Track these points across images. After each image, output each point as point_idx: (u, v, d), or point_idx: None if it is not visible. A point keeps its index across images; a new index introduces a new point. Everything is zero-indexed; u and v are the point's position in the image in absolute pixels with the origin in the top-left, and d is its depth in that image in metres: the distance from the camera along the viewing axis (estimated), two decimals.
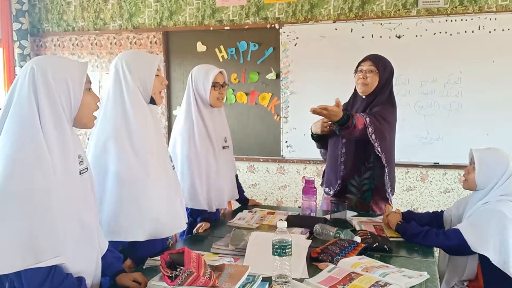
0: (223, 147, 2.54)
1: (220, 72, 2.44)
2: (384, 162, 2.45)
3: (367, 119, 2.35)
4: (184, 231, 2.38)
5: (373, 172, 2.51)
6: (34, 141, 1.31)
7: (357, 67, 2.55)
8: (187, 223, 2.05)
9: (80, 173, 1.45)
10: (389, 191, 2.50)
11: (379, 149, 2.41)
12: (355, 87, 2.59)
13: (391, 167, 2.50)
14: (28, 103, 1.33)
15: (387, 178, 2.47)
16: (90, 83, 1.49)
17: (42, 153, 1.31)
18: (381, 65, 2.49)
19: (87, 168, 1.50)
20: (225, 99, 2.57)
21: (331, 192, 2.60)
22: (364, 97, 2.53)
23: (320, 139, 2.68)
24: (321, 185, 2.76)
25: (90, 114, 1.49)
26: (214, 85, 2.39)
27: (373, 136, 2.37)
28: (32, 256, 1.27)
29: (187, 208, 2.33)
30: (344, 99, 2.70)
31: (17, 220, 1.26)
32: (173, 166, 2.04)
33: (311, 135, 2.69)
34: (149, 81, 1.88)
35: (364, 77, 2.48)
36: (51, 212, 1.30)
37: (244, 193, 2.83)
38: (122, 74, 1.85)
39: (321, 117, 2.42)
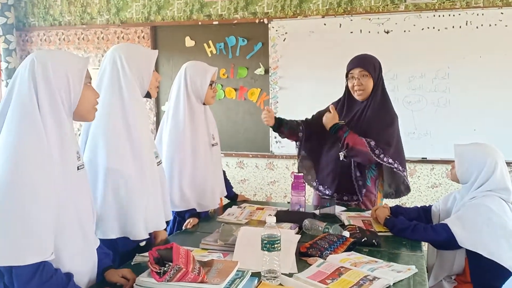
0: (213, 145, 2.50)
1: None
2: (398, 166, 2.48)
3: (372, 143, 2.39)
4: (172, 227, 2.37)
5: (368, 172, 2.52)
6: (36, 137, 1.31)
7: (347, 73, 2.52)
8: (167, 221, 2.02)
9: (78, 169, 1.45)
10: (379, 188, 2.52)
11: (399, 168, 2.47)
12: (347, 90, 2.56)
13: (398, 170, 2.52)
14: (29, 97, 1.33)
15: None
16: (90, 78, 1.49)
17: (44, 149, 1.31)
18: (371, 67, 2.47)
19: (83, 164, 1.50)
20: None
21: (327, 192, 2.59)
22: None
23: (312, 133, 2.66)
24: (311, 181, 2.71)
25: (89, 107, 1.49)
26: (210, 83, 2.37)
27: (385, 159, 2.42)
28: (19, 253, 1.26)
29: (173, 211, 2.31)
30: (333, 93, 2.70)
31: (15, 213, 1.26)
32: (159, 161, 2.00)
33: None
34: (147, 77, 1.87)
35: (359, 84, 2.47)
36: (46, 208, 1.29)
37: (233, 189, 2.81)
38: (121, 69, 1.81)
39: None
